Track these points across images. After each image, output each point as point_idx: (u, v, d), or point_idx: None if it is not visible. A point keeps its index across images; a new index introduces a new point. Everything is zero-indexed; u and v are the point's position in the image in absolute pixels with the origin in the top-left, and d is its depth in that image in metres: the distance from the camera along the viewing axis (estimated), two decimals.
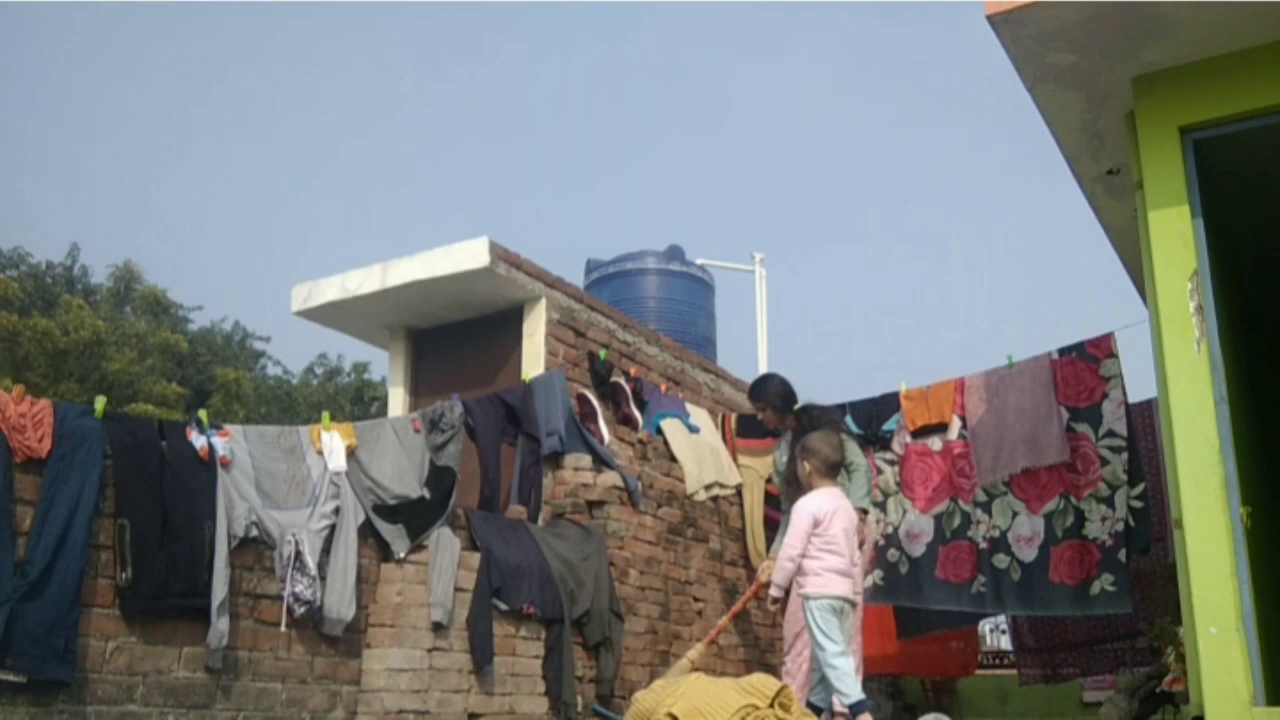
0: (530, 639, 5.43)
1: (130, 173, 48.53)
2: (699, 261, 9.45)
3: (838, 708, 5.35)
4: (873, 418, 6.91)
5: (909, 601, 6.54)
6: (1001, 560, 6.31)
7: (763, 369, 11.10)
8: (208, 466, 4.38)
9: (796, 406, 5.78)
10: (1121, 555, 5.88)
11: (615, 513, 6.12)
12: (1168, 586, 5.56)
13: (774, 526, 7.54)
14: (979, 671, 10.19)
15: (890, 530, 6.60)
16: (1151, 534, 5.90)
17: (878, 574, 6.57)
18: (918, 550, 6.52)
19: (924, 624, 6.87)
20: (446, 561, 5.07)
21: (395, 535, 5.01)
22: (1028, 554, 6.19)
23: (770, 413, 5.76)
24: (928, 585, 6.43)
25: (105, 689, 3.95)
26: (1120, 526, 5.92)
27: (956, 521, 6.44)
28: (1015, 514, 6.29)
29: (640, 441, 6.61)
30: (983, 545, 6.38)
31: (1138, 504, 5.92)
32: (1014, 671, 8.13)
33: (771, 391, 5.74)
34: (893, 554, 6.59)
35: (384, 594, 4.92)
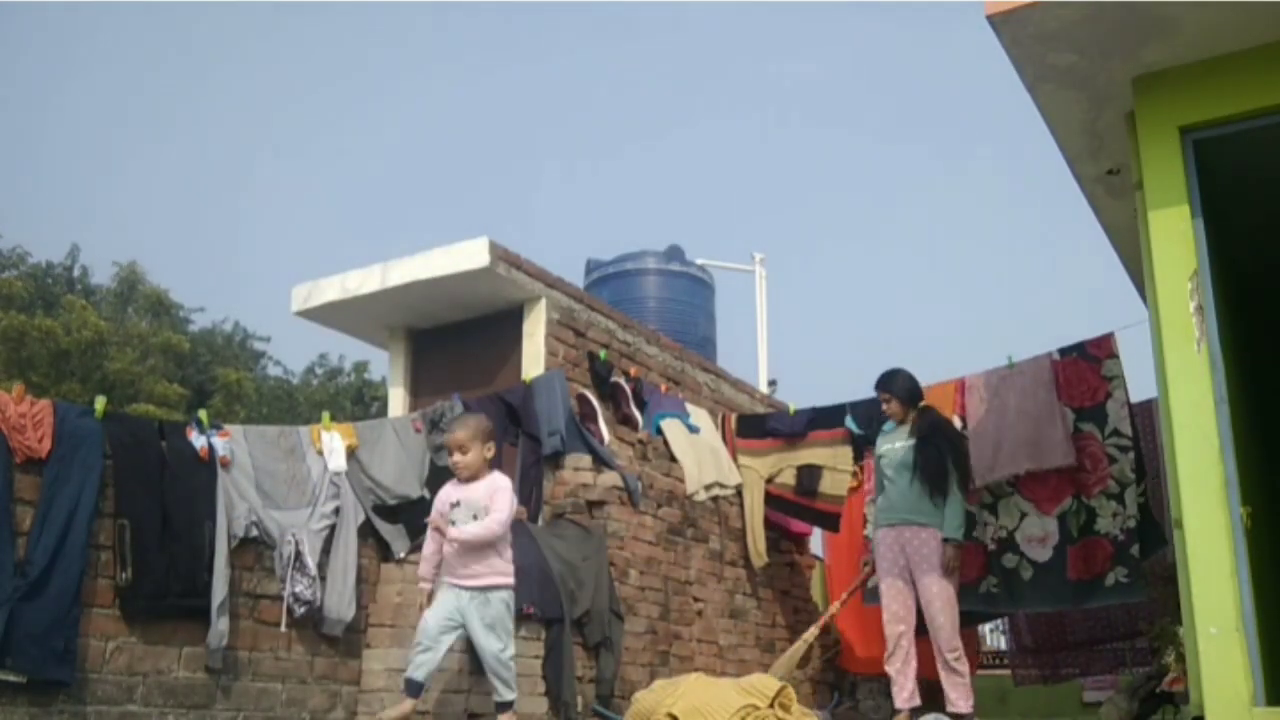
0: (530, 639, 5.43)
1: (130, 172, 48.58)
2: (699, 261, 9.44)
3: None
4: (874, 418, 6.90)
5: None
6: (1011, 560, 6.32)
7: (763, 369, 11.15)
8: (208, 466, 4.38)
9: (921, 404, 5.71)
10: (1135, 550, 5.93)
11: (615, 513, 6.12)
12: (1168, 586, 5.57)
13: (774, 527, 7.56)
14: (979, 672, 10.19)
15: None
16: (1161, 531, 5.92)
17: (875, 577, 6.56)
18: None
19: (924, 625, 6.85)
20: None
21: (395, 535, 5.02)
22: (1041, 554, 6.21)
23: (895, 404, 5.69)
24: None
25: (105, 689, 3.95)
26: (1132, 523, 5.96)
27: None
28: (1024, 514, 6.30)
29: (640, 441, 6.61)
30: (991, 546, 6.39)
31: (1142, 501, 5.96)
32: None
33: (899, 384, 5.69)
34: None
35: (384, 594, 4.93)
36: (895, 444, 5.62)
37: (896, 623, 5.46)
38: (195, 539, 4.24)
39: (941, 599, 5.33)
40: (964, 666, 5.32)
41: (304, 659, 4.64)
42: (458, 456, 4.39)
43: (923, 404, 5.72)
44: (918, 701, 5.48)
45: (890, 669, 5.49)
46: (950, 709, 5.30)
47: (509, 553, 4.48)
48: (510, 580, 4.45)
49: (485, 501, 4.35)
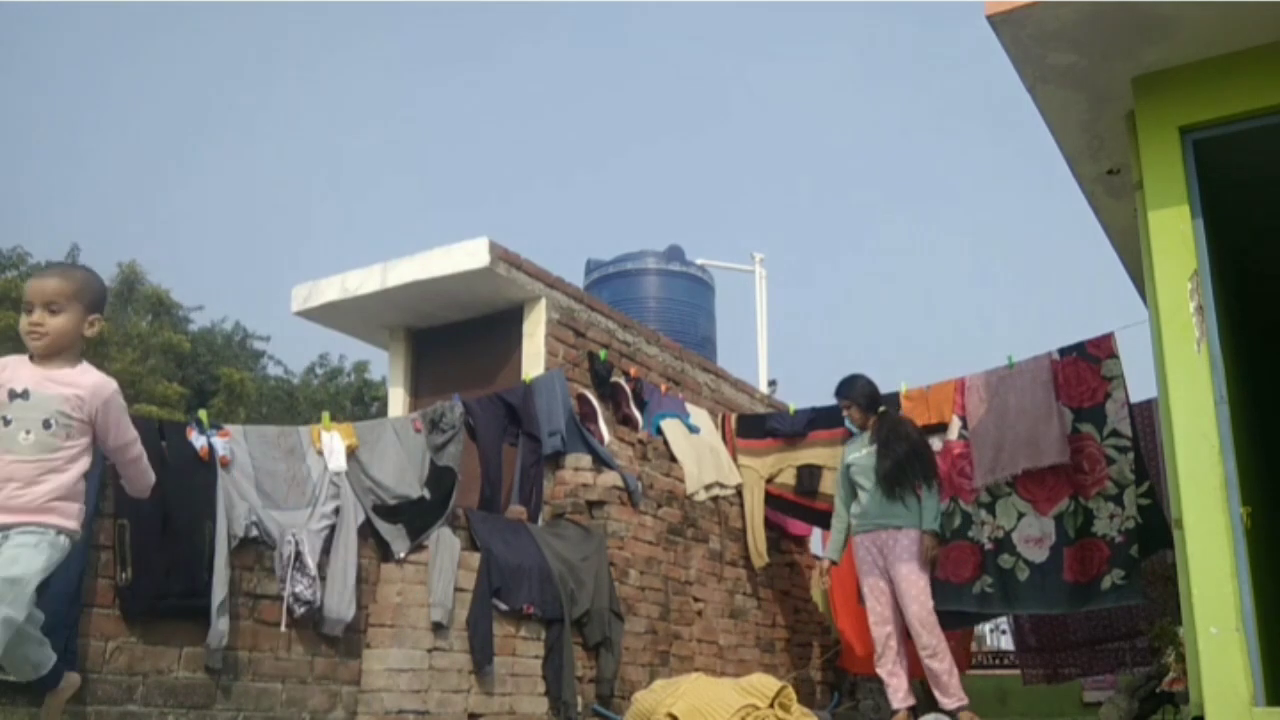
0: (530, 639, 5.43)
1: (130, 172, 48.57)
2: (699, 261, 9.45)
3: None
4: None
5: None
6: (1007, 560, 6.32)
7: (763, 369, 11.15)
8: (208, 466, 4.38)
9: (880, 409, 5.78)
10: (1134, 551, 5.93)
11: (615, 513, 6.12)
12: (1168, 586, 5.56)
13: (774, 527, 7.57)
14: (979, 671, 10.19)
15: None
16: (1166, 530, 5.92)
17: None
18: None
19: None
20: (446, 561, 5.08)
21: (395, 535, 5.01)
22: (1038, 555, 6.21)
23: (855, 411, 5.78)
24: None
25: (105, 689, 3.95)
26: (1131, 524, 5.96)
27: (957, 522, 6.44)
28: (1021, 515, 6.30)
29: (640, 441, 6.61)
30: (987, 546, 6.39)
31: (1145, 502, 5.96)
32: (1014, 671, 8.12)
33: (858, 390, 5.78)
34: None
35: (384, 594, 4.93)
36: (861, 451, 5.70)
37: (882, 624, 5.52)
38: (195, 539, 4.24)
39: (912, 592, 5.38)
40: (938, 664, 5.35)
41: (304, 659, 4.64)
42: (41, 315, 2.94)
43: (881, 409, 5.81)
44: (913, 700, 5.50)
45: (881, 671, 5.52)
46: (941, 706, 5.33)
47: (81, 485, 2.99)
48: (69, 524, 2.93)
49: (68, 405, 2.94)
